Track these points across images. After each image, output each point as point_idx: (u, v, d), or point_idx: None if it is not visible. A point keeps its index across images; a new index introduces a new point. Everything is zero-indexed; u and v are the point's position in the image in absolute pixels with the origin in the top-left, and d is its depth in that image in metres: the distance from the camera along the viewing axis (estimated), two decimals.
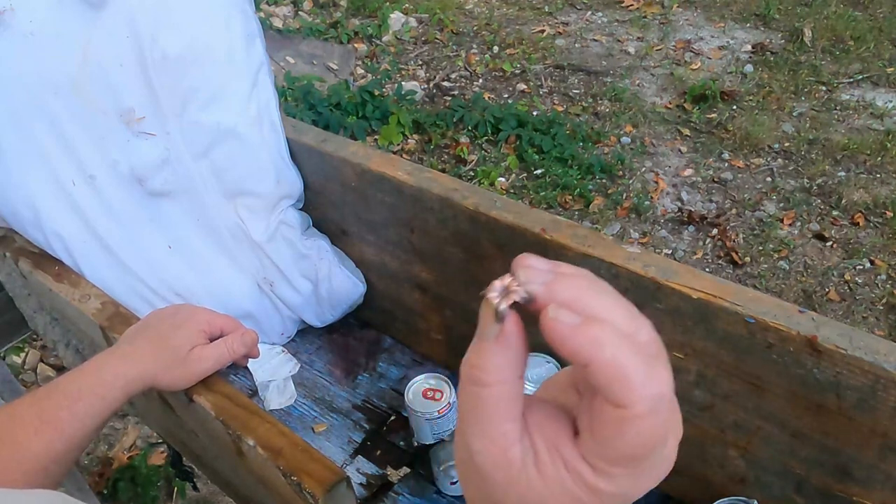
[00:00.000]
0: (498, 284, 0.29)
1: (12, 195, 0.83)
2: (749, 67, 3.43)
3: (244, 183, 0.91)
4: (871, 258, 2.44)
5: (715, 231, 2.59)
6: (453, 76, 3.57)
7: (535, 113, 3.20)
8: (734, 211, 2.68)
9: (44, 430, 0.60)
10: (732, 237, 2.56)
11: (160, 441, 1.88)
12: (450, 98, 3.38)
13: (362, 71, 3.63)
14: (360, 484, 0.87)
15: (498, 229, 0.77)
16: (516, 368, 0.29)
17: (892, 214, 2.58)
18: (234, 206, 0.92)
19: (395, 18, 3.98)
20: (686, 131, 3.09)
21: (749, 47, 3.59)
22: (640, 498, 0.30)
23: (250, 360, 0.80)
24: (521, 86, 3.47)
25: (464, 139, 3.08)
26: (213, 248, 0.94)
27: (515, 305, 0.28)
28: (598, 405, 0.27)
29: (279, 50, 3.48)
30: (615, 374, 0.26)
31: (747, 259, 2.48)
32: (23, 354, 2.14)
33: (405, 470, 0.88)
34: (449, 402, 0.84)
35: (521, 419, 0.29)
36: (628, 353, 0.26)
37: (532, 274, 0.28)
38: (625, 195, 2.77)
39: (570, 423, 0.30)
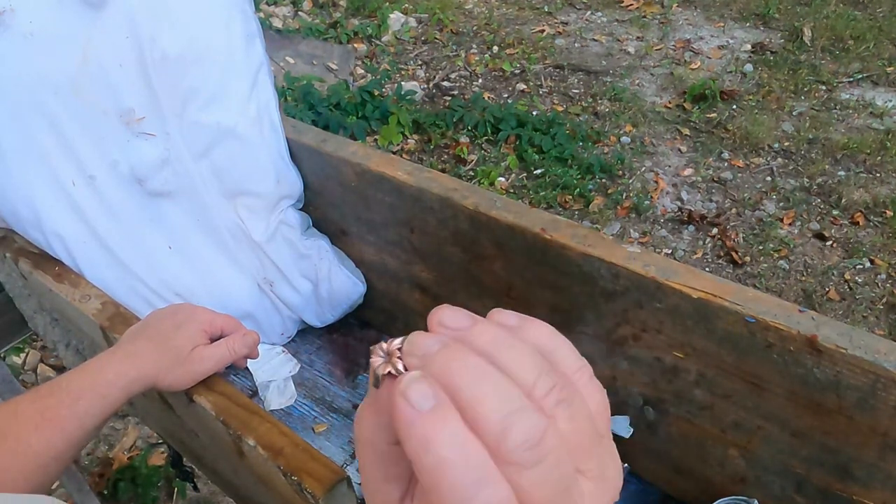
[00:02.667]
0: (385, 347, 0.27)
1: (12, 195, 0.83)
2: (749, 67, 3.43)
3: (244, 183, 0.91)
4: (871, 257, 2.44)
5: (715, 231, 2.59)
6: (453, 76, 3.57)
7: (534, 113, 3.20)
8: (734, 210, 2.68)
9: (44, 428, 0.60)
10: (732, 237, 2.56)
11: (160, 441, 1.88)
12: (449, 98, 3.38)
13: (362, 71, 3.63)
14: (361, 484, 0.87)
15: (498, 229, 0.77)
16: (389, 434, 0.27)
17: (891, 214, 2.58)
18: (234, 206, 0.92)
19: (395, 18, 3.98)
20: (686, 131, 3.09)
21: (749, 47, 3.60)
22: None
23: (250, 360, 0.80)
24: (521, 86, 3.47)
25: (464, 139, 3.08)
26: (213, 248, 0.94)
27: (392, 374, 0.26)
28: None
29: (279, 50, 3.48)
30: (434, 483, 0.23)
31: (747, 259, 2.49)
32: (23, 355, 2.14)
33: None
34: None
35: (405, 482, 0.28)
36: (457, 466, 0.23)
37: (420, 343, 0.26)
38: (625, 195, 2.78)
39: None
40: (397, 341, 0.27)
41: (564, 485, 0.24)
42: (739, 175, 2.84)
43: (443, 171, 2.86)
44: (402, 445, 0.24)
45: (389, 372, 0.26)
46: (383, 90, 3.37)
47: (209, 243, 0.93)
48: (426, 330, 0.27)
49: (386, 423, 0.27)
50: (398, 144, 3.10)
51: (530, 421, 0.24)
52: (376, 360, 0.27)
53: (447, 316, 0.27)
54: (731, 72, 3.43)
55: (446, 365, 0.24)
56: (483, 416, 0.23)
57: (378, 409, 0.27)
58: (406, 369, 0.26)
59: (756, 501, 0.69)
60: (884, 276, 2.38)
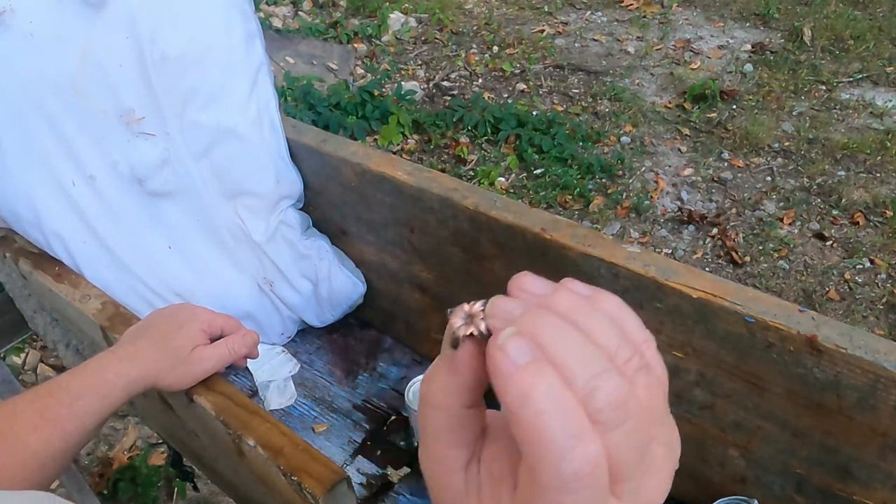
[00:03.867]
0: (466, 309, 0.27)
1: (12, 195, 0.83)
2: (749, 67, 3.43)
3: (244, 183, 0.91)
4: (871, 257, 2.44)
5: (715, 230, 2.59)
6: (453, 76, 3.57)
7: (534, 113, 3.20)
8: (734, 210, 2.68)
9: (43, 427, 0.60)
10: (732, 237, 2.56)
11: (160, 441, 1.88)
12: (449, 98, 3.38)
13: (362, 71, 3.63)
14: (361, 484, 0.87)
15: (498, 229, 0.77)
16: (464, 397, 0.27)
17: (891, 214, 2.58)
18: (234, 206, 0.92)
19: (395, 18, 3.98)
20: (686, 131, 3.09)
21: (749, 47, 3.60)
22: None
23: (250, 360, 0.80)
24: (521, 85, 3.47)
25: (464, 139, 3.08)
26: (213, 249, 0.94)
27: (475, 335, 0.26)
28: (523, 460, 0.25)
29: (279, 50, 3.48)
30: (531, 436, 0.23)
31: (747, 258, 2.49)
32: (23, 355, 2.14)
33: (405, 470, 0.88)
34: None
35: (472, 447, 0.29)
36: (555, 419, 0.23)
37: (502, 307, 0.26)
38: (625, 195, 2.78)
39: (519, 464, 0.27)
40: (479, 304, 0.27)
41: (643, 448, 0.25)
42: (739, 175, 2.84)
43: (443, 171, 2.86)
44: (500, 396, 0.24)
45: (471, 333, 0.26)
46: (383, 90, 3.37)
47: (209, 243, 0.93)
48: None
49: (462, 384, 0.27)
50: (398, 144, 3.10)
51: (616, 382, 0.24)
52: (456, 322, 0.27)
53: (528, 282, 0.27)
54: (731, 72, 3.43)
55: (533, 325, 0.25)
56: (572, 374, 0.24)
57: (454, 370, 0.27)
58: (489, 332, 0.26)
59: (756, 501, 0.69)
60: (884, 276, 2.38)
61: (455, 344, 0.27)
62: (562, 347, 0.24)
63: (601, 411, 0.24)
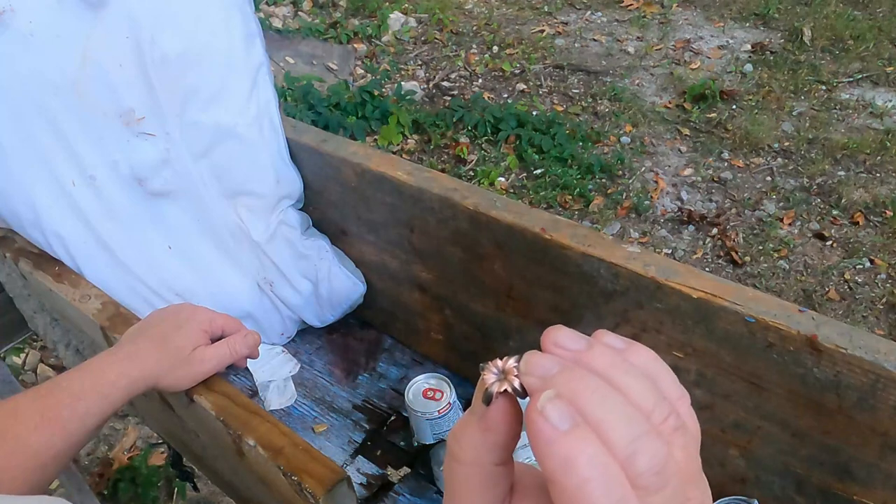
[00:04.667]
0: (499, 364, 0.27)
1: (12, 195, 0.83)
2: (749, 67, 3.43)
3: (244, 183, 0.91)
4: (871, 257, 2.44)
5: (715, 231, 2.59)
6: (453, 76, 3.57)
7: (534, 113, 3.20)
8: (734, 210, 2.68)
9: (44, 427, 0.60)
10: (732, 237, 2.56)
11: (160, 441, 1.88)
12: (449, 98, 3.38)
13: (362, 71, 3.63)
14: (361, 484, 0.87)
15: (498, 229, 0.77)
16: (496, 454, 0.27)
17: (891, 214, 2.58)
18: (234, 206, 0.92)
19: (395, 18, 3.98)
20: (686, 131, 3.09)
21: (749, 47, 3.60)
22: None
23: (250, 360, 0.80)
24: (521, 86, 3.47)
25: (463, 139, 3.08)
26: (213, 249, 0.94)
27: (508, 392, 0.26)
28: None
29: (279, 50, 3.48)
30: (571, 503, 0.23)
31: (747, 258, 2.49)
32: (23, 355, 2.14)
33: (405, 470, 0.88)
34: (449, 402, 0.84)
35: (502, 502, 0.28)
36: (600, 487, 0.23)
37: (538, 364, 0.25)
38: (625, 195, 2.78)
39: None
40: (512, 360, 0.26)
41: None
42: (739, 175, 2.84)
43: (443, 171, 2.86)
44: (541, 463, 0.23)
45: (505, 390, 0.26)
46: (383, 90, 3.37)
47: (209, 243, 0.93)
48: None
49: (495, 442, 0.27)
50: (398, 144, 3.09)
51: (655, 446, 0.24)
52: (489, 378, 0.26)
53: (563, 337, 0.26)
54: (730, 72, 3.43)
55: (571, 386, 0.24)
56: (611, 439, 0.23)
57: (486, 428, 0.26)
58: (523, 388, 0.26)
59: (756, 501, 0.69)
60: (884, 276, 2.38)
61: (488, 400, 0.26)
62: (601, 410, 0.24)
63: (642, 476, 0.23)
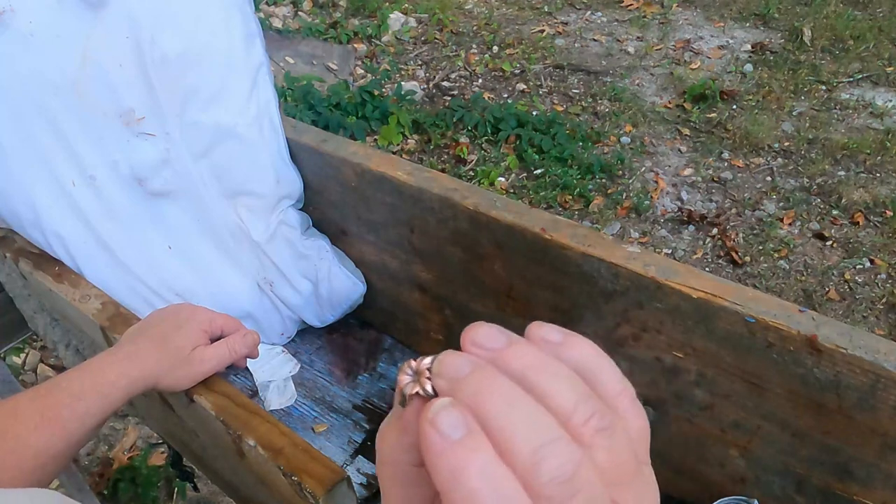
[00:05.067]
0: (413, 366, 0.26)
1: (12, 195, 0.83)
2: (749, 67, 3.43)
3: (244, 183, 0.91)
4: (871, 257, 2.44)
5: (715, 231, 2.59)
6: (453, 76, 3.57)
7: (534, 113, 3.20)
8: (734, 210, 2.68)
9: (44, 427, 0.60)
10: (732, 237, 2.56)
11: (160, 441, 1.88)
12: (449, 98, 3.38)
13: (362, 71, 3.63)
14: (361, 484, 0.87)
15: (498, 229, 0.77)
16: (413, 455, 0.26)
17: (891, 214, 2.58)
18: (234, 206, 0.92)
19: (395, 18, 3.98)
20: (686, 131, 3.09)
21: (749, 47, 3.60)
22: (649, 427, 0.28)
23: (250, 360, 0.80)
24: (521, 86, 3.47)
25: (463, 139, 3.08)
26: (213, 249, 0.94)
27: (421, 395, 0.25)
28: None
29: (279, 50, 3.48)
30: None
31: (747, 258, 2.49)
32: (23, 355, 2.14)
33: None
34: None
35: (428, 503, 0.27)
36: (487, 499, 0.21)
37: (450, 365, 0.24)
38: (625, 195, 2.78)
39: None
40: (427, 360, 0.26)
41: None
42: (739, 175, 2.84)
43: (443, 171, 2.86)
44: (430, 475, 0.23)
45: (417, 392, 0.25)
46: (383, 90, 3.37)
47: (209, 243, 0.93)
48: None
49: (410, 443, 0.26)
50: (398, 144, 3.10)
51: (564, 453, 0.22)
52: (404, 379, 0.26)
53: (481, 334, 0.25)
54: (731, 72, 3.43)
55: (477, 390, 0.23)
56: (514, 446, 0.22)
57: (403, 429, 0.26)
58: (435, 391, 0.25)
59: (756, 501, 0.69)
60: (884, 276, 2.38)
61: (403, 402, 0.26)
62: (505, 416, 0.23)
63: (545, 486, 0.22)
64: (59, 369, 2.09)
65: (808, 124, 3.05)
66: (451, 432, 0.22)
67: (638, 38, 3.78)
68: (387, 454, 0.27)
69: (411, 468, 0.27)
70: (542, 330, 0.26)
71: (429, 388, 0.25)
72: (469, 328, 0.26)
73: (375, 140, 3.09)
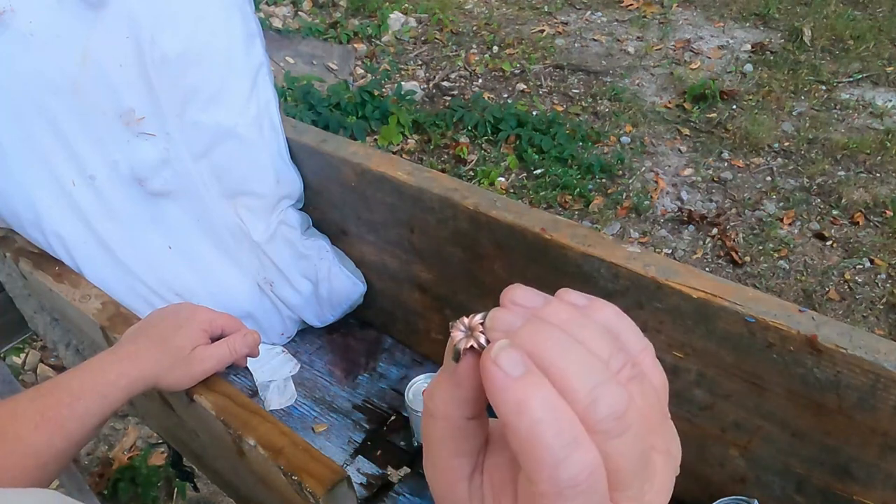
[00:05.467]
0: (466, 322, 0.27)
1: (12, 195, 0.83)
2: (749, 67, 3.43)
3: (244, 183, 0.91)
4: (871, 257, 2.44)
5: (715, 231, 2.59)
6: (453, 76, 3.57)
7: (534, 113, 3.20)
8: (734, 210, 2.68)
9: (44, 427, 0.60)
10: (732, 237, 2.56)
11: (160, 441, 1.88)
12: (449, 98, 3.38)
13: (362, 71, 3.63)
14: (361, 484, 0.87)
15: (498, 229, 0.77)
16: (466, 408, 0.28)
17: (891, 214, 2.58)
18: (234, 206, 0.92)
19: (395, 18, 3.98)
20: (686, 131, 3.09)
21: (749, 47, 3.60)
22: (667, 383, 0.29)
23: (250, 360, 0.80)
24: (521, 86, 3.47)
25: (463, 139, 3.08)
26: (213, 249, 0.94)
27: (475, 349, 0.27)
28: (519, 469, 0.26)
29: (279, 50, 3.48)
30: (528, 446, 0.24)
31: (747, 258, 2.49)
32: (23, 355, 2.14)
33: (405, 470, 0.88)
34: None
35: (475, 457, 0.29)
36: (551, 427, 0.23)
37: (502, 319, 0.27)
38: (625, 195, 2.77)
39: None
40: (478, 316, 0.27)
41: (644, 456, 0.25)
42: (739, 175, 2.84)
43: (443, 171, 2.86)
44: (496, 410, 0.24)
45: (472, 346, 0.27)
46: (383, 90, 3.37)
47: (209, 243, 0.93)
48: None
49: (464, 397, 0.27)
50: (398, 144, 3.09)
51: (616, 392, 0.24)
52: (457, 335, 0.27)
53: (520, 295, 0.27)
54: (731, 72, 3.43)
55: (532, 338, 0.25)
56: (572, 386, 0.24)
57: (456, 383, 0.27)
58: (488, 343, 0.26)
59: (756, 501, 0.69)
60: (884, 276, 2.38)
61: (457, 357, 0.27)
62: (562, 359, 0.24)
63: (603, 421, 0.24)
64: (59, 369, 2.09)
65: (808, 124, 3.05)
66: (512, 369, 0.24)
67: (638, 38, 3.78)
68: (440, 409, 0.28)
69: (463, 420, 0.28)
70: (569, 295, 0.28)
71: (482, 340, 0.26)
72: (507, 290, 0.28)
73: (375, 140, 3.09)
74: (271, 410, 0.95)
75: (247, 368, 0.99)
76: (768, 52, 3.53)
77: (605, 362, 0.25)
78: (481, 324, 0.27)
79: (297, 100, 3.09)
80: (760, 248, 2.52)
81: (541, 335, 0.25)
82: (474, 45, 3.82)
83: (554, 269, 0.75)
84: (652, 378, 0.27)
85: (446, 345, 0.28)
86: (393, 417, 0.94)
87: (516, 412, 0.24)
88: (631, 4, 4.07)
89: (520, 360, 0.25)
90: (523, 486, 0.26)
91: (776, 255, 2.49)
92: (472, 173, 2.92)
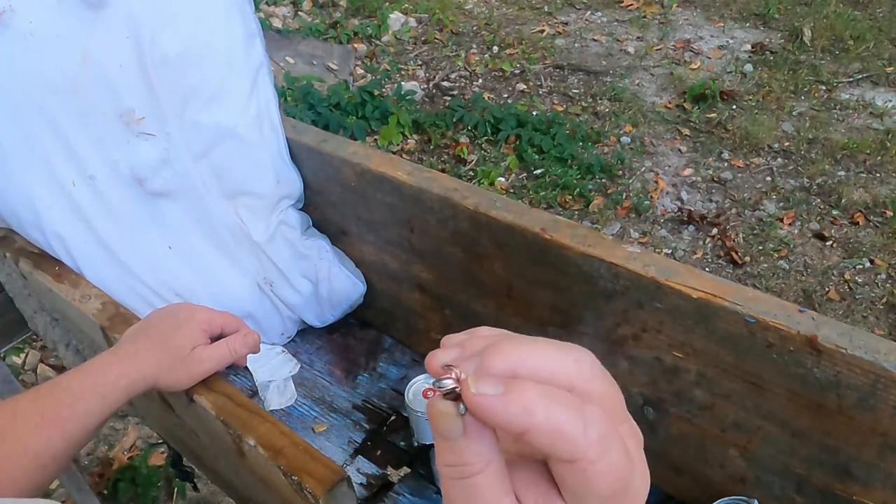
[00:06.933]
0: (437, 386, 0.28)
1: (12, 196, 0.83)
2: (749, 67, 3.43)
3: (244, 183, 0.91)
4: (871, 257, 2.44)
5: (715, 231, 2.59)
6: (453, 76, 3.57)
7: (534, 113, 3.20)
8: (734, 210, 2.68)
9: (44, 427, 0.60)
10: (732, 237, 2.56)
11: (160, 441, 1.88)
12: (449, 98, 3.38)
13: (362, 71, 3.63)
14: (361, 484, 0.87)
15: (498, 229, 0.77)
16: (495, 446, 0.28)
17: (891, 214, 2.58)
18: (234, 206, 0.92)
19: (395, 18, 3.98)
20: (686, 131, 3.09)
21: (749, 47, 3.60)
22: None
23: (250, 360, 0.80)
24: (521, 86, 3.47)
25: (463, 139, 3.08)
26: (213, 249, 0.94)
27: (454, 394, 0.27)
28: (554, 463, 0.27)
29: (279, 50, 3.48)
30: (554, 435, 0.25)
31: (747, 259, 2.49)
32: (23, 355, 2.14)
33: (405, 470, 0.88)
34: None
35: (511, 488, 0.29)
36: (558, 409, 0.25)
37: (451, 343, 0.29)
38: (625, 195, 2.77)
39: (548, 474, 0.29)
40: (447, 378, 0.28)
41: (624, 451, 0.27)
42: (739, 175, 2.84)
43: (443, 171, 2.86)
44: (510, 429, 0.25)
45: (454, 389, 0.27)
46: (383, 90, 3.37)
47: (209, 243, 0.93)
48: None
49: (489, 440, 0.28)
50: (398, 144, 3.09)
51: (583, 359, 0.28)
52: (443, 402, 0.27)
53: (451, 340, 0.30)
54: (730, 72, 3.43)
55: (496, 350, 0.27)
56: (549, 365, 0.27)
57: (476, 435, 0.27)
58: (457, 378, 0.27)
59: (756, 501, 0.69)
60: (884, 276, 2.38)
61: (464, 410, 0.27)
62: (517, 357, 0.27)
63: (589, 381, 0.27)
64: (59, 369, 2.09)
65: (808, 124, 3.05)
66: (496, 390, 0.26)
67: (638, 38, 3.78)
68: (478, 464, 0.28)
69: (500, 457, 0.28)
70: (486, 329, 0.31)
71: (449, 383, 0.27)
72: (432, 355, 0.29)
73: (375, 140, 3.09)
74: (271, 410, 0.95)
75: (247, 368, 0.99)
76: (768, 52, 3.53)
77: (558, 354, 0.27)
78: (450, 374, 0.28)
79: (297, 100, 3.09)
80: (760, 248, 2.52)
81: (500, 348, 0.27)
82: (474, 45, 3.82)
83: (554, 269, 0.75)
84: (607, 379, 0.29)
85: (429, 417, 0.28)
86: (393, 417, 0.94)
87: (527, 415, 0.25)
88: (631, 4, 4.07)
89: (493, 379, 0.26)
90: (565, 474, 0.27)
91: (776, 255, 2.49)
92: (472, 173, 2.92)
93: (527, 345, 0.27)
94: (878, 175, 2.77)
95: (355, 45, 3.78)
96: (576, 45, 3.77)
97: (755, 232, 2.58)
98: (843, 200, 2.65)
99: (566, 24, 3.97)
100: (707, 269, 2.44)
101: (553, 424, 0.25)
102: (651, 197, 2.76)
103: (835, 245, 2.50)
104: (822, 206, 2.66)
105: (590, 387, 0.27)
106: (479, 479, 0.28)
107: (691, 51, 3.63)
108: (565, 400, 0.25)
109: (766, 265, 2.46)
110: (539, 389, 0.25)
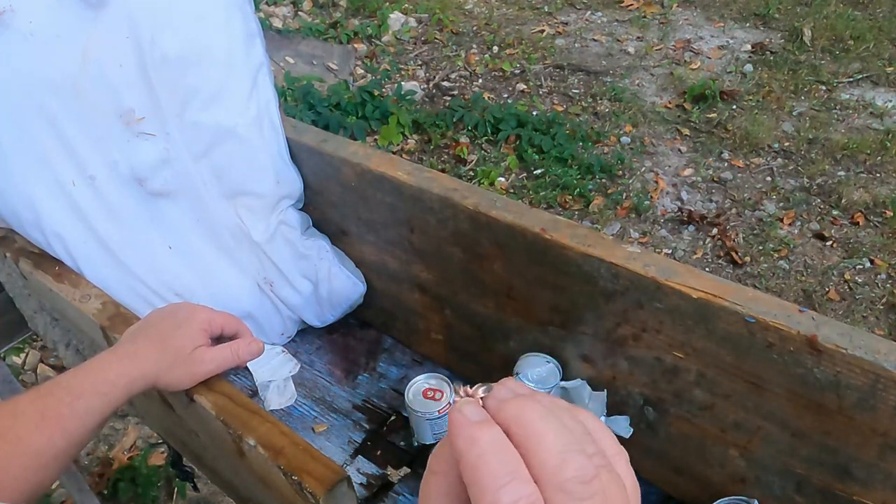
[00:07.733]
0: (468, 390, 0.32)
1: (12, 196, 0.83)
2: (749, 67, 3.43)
3: (244, 183, 0.91)
4: (871, 258, 2.44)
5: (715, 231, 2.59)
6: (453, 76, 3.57)
7: (534, 113, 3.20)
8: (734, 210, 2.68)
9: (45, 427, 0.60)
10: (732, 237, 2.56)
11: (160, 441, 1.88)
12: (449, 98, 3.38)
13: (362, 71, 3.63)
14: (361, 484, 0.87)
15: (498, 229, 0.77)
16: (456, 466, 0.31)
17: (891, 214, 2.58)
18: (234, 206, 0.92)
19: (395, 18, 3.98)
20: (686, 131, 3.09)
21: (749, 47, 3.60)
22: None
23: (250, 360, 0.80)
24: (521, 86, 3.47)
25: (463, 139, 3.08)
26: (213, 249, 0.94)
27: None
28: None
29: (279, 50, 3.48)
30: (475, 474, 0.27)
31: (747, 259, 2.49)
32: (23, 355, 2.14)
33: (405, 470, 0.88)
34: (449, 402, 0.84)
35: None
36: (495, 458, 0.27)
37: (501, 390, 0.32)
38: (625, 195, 2.77)
39: None
40: (481, 389, 0.32)
41: None
42: (739, 175, 2.84)
43: (443, 171, 2.86)
44: (454, 447, 0.29)
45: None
46: (383, 90, 3.37)
47: (209, 243, 0.93)
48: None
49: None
50: (398, 144, 3.09)
51: (584, 459, 0.28)
52: (458, 399, 0.32)
53: (511, 384, 0.32)
54: (731, 72, 3.43)
55: (519, 404, 0.30)
56: (546, 446, 0.28)
57: (451, 442, 0.31)
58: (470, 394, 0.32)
59: (756, 501, 0.69)
60: (884, 276, 2.38)
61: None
62: (541, 422, 0.29)
63: (569, 481, 0.27)
64: (59, 369, 2.09)
65: (808, 124, 3.05)
66: (472, 416, 0.29)
67: (638, 38, 3.78)
68: (439, 465, 0.32)
69: (457, 478, 0.31)
70: (551, 397, 0.33)
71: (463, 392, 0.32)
72: (498, 385, 0.32)
73: (375, 140, 3.09)
74: (271, 410, 0.95)
75: (247, 368, 0.99)
76: (768, 53, 3.53)
77: (578, 441, 0.29)
78: (482, 398, 0.32)
79: (297, 100, 3.09)
80: (760, 248, 2.52)
81: (527, 404, 0.30)
82: (474, 45, 3.82)
83: (554, 269, 0.75)
84: (624, 478, 0.30)
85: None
86: (393, 417, 0.94)
87: (468, 445, 0.28)
88: (631, 4, 4.07)
89: (480, 411, 0.30)
90: None
91: (776, 255, 2.49)
92: (472, 173, 2.92)
93: (538, 416, 0.29)
94: (878, 175, 2.77)
95: (355, 45, 3.78)
96: (576, 45, 3.77)
97: (755, 232, 2.58)
98: (843, 200, 2.65)
99: (566, 24, 3.97)
100: (707, 269, 2.44)
101: (479, 468, 0.27)
102: (651, 197, 2.76)
103: (835, 245, 2.50)
104: (822, 206, 2.66)
105: (553, 488, 0.27)
106: (433, 480, 0.31)
107: (691, 51, 3.63)
108: (508, 458, 0.27)
109: (766, 265, 2.46)
110: (494, 437, 0.28)
